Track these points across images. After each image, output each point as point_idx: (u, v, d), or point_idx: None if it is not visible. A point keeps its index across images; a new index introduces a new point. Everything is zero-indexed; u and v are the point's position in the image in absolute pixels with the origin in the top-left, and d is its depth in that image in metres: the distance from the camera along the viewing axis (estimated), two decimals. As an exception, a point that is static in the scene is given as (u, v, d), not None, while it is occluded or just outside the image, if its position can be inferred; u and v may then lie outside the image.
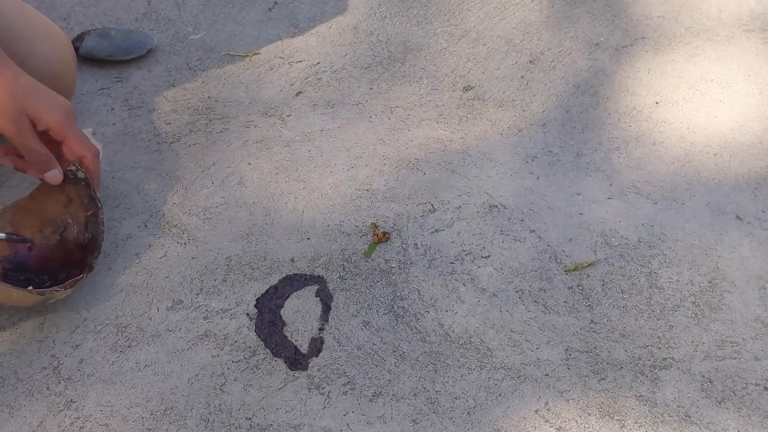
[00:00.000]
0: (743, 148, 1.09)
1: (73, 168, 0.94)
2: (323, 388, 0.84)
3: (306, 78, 1.18)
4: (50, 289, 0.86)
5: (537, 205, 1.02)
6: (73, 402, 0.83)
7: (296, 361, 0.86)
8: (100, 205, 0.94)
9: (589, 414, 0.83)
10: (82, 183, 0.94)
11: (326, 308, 0.91)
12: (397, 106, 1.14)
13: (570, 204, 1.02)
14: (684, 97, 1.16)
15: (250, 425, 0.82)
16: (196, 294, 0.92)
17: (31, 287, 0.89)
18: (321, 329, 0.89)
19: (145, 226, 0.99)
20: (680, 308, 0.92)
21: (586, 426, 0.82)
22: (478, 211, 1.01)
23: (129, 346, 0.88)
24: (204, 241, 0.97)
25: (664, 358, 0.87)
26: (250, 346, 0.88)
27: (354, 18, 1.28)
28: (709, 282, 0.94)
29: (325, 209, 1.01)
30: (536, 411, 0.83)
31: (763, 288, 0.94)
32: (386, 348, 0.88)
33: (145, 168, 1.06)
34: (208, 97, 1.14)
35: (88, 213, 0.94)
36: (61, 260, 0.93)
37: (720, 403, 0.84)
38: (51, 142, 0.92)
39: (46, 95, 0.89)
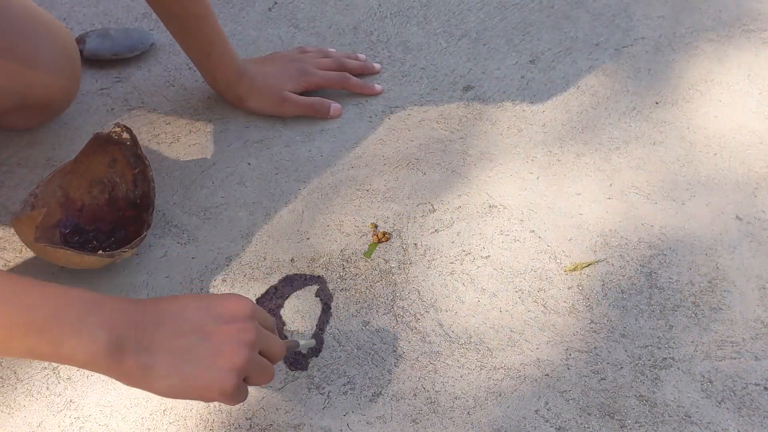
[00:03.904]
0: (743, 148, 1.09)
1: (117, 130, 0.97)
2: (323, 388, 0.84)
3: (306, 78, 1.18)
4: (119, 251, 0.89)
5: (537, 205, 1.02)
6: (73, 402, 0.83)
7: (296, 361, 0.86)
8: (147, 163, 0.97)
9: (589, 414, 0.83)
10: (127, 143, 0.97)
11: (326, 308, 0.91)
12: (397, 106, 1.14)
13: (570, 204, 1.02)
14: (684, 97, 1.16)
15: (250, 425, 0.81)
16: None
17: (101, 251, 0.92)
18: (321, 329, 0.89)
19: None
20: (680, 308, 0.92)
21: (586, 426, 0.82)
22: (477, 211, 1.01)
23: (129, 346, 0.88)
24: (204, 241, 0.97)
25: (664, 358, 0.87)
26: (250, 346, 0.88)
27: (354, 18, 1.28)
28: (709, 282, 0.94)
29: (325, 209, 1.01)
30: (536, 411, 0.83)
31: (763, 288, 0.94)
32: (386, 348, 0.88)
33: (145, 168, 1.06)
34: (208, 97, 1.14)
35: (136, 171, 0.97)
36: (113, 218, 0.97)
37: (720, 403, 0.84)
38: None
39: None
